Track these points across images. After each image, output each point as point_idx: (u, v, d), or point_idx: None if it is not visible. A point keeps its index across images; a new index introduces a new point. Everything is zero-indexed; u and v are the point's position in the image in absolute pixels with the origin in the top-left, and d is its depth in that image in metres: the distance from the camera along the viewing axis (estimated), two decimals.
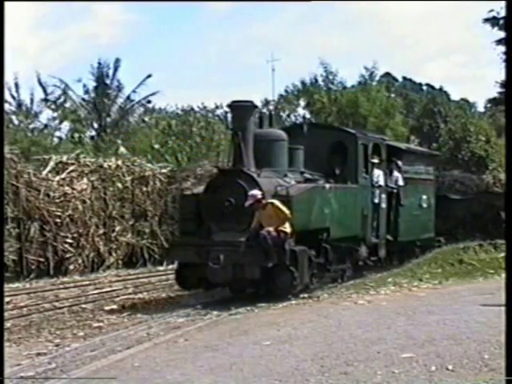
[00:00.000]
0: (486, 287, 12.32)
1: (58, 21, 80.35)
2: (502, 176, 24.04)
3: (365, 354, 7.17)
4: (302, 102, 41.94)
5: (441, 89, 55.94)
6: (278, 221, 11.81)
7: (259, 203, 11.91)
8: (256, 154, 12.79)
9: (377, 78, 43.03)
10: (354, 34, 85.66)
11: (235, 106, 12.87)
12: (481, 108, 52.71)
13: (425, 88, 58.95)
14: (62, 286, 15.79)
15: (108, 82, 39.37)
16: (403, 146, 18.70)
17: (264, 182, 12.38)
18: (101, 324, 10.87)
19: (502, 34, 24.17)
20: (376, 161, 15.75)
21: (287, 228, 11.83)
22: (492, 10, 25.14)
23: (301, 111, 43.69)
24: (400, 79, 59.22)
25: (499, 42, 24.39)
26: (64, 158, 20.04)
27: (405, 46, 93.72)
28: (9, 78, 36.60)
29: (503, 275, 10.35)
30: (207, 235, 12.47)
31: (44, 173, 18.97)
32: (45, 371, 7.47)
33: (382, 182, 15.98)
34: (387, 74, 54.27)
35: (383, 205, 16.22)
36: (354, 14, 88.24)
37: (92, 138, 38.19)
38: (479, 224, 23.84)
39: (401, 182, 16.83)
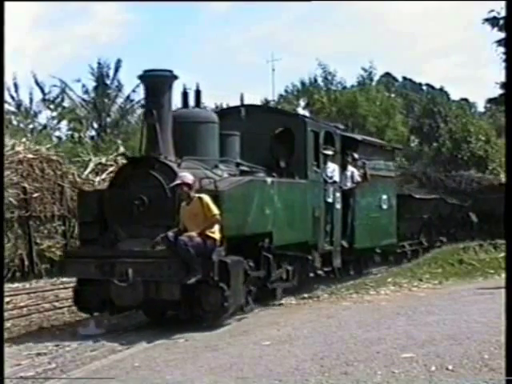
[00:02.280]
0: (486, 287, 12.31)
1: (56, 21, 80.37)
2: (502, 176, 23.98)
3: (365, 354, 7.17)
4: (302, 102, 41.97)
5: (441, 89, 55.92)
6: (204, 223, 9.19)
7: (188, 189, 9.33)
8: (177, 140, 10.19)
9: (376, 77, 43.13)
10: (354, 33, 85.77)
11: (148, 76, 10.23)
12: (481, 108, 52.77)
13: (425, 88, 58.91)
14: (61, 286, 15.79)
15: (108, 82, 39.40)
16: (359, 136, 16.44)
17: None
18: None
19: (501, 35, 24.20)
20: (330, 152, 13.43)
21: (216, 233, 9.25)
22: (492, 10, 25.19)
23: (301, 111, 43.69)
24: (400, 79, 59.22)
25: (499, 42, 24.41)
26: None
27: (405, 46, 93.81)
28: (8, 79, 36.63)
29: (503, 275, 10.35)
30: (112, 244, 9.74)
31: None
32: (45, 371, 7.47)
33: (337, 178, 13.63)
34: (387, 74, 54.30)
35: (338, 205, 13.81)
36: (354, 14, 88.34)
37: (92, 137, 38.22)
38: (446, 227, 22.33)
39: (357, 178, 14.45)
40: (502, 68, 23.12)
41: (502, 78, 22.96)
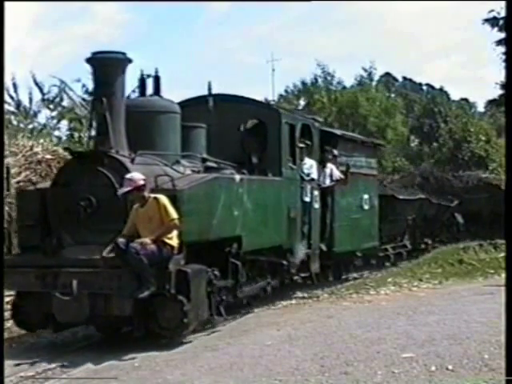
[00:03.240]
0: (485, 287, 12.32)
1: (56, 21, 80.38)
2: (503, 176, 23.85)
3: (365, 354, 7.17)
4: (302, 102, 41.99)
5: (441, 89, 55.92)
6: (160, 227, 8.12)
7: (139, 193, 8.20)
8: (132, 132, 9.02)
9: (376, 78, 43.16)
10: (354, 34, 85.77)
11: (97, 58, 8.91)
12: (481, 108, 52.77)
13: (425, 88, 58.92)
14: None
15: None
16: (338, 131, 15.44)
17: (139, 170, 8.52)
18: None
19: (501, 35, 24.20)
20: (302, 145, 12.28)
21: (174, 239, 8.20)
22: (492, 10, 25.17)
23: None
24: (400, 79, 59.23)
25: (499, 42, 24.41)
26: None
27: (405, 46, 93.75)
28: (7, 79, 36.63)
29: (503, 275, 10.36)
30: (56, 251, 8.56)
31: None
32: (45, 371, 7.47)
33: (314, 175, 12.57)
34: (387, 74, 54.30)
35: (316, 205, 12.65)
36: (354, 14, 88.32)
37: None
38: (432, 228, 21.38)
39: (337, 176, 13.46)
40: (502, 68, 23.13)
41: (502, 78, 23.01)
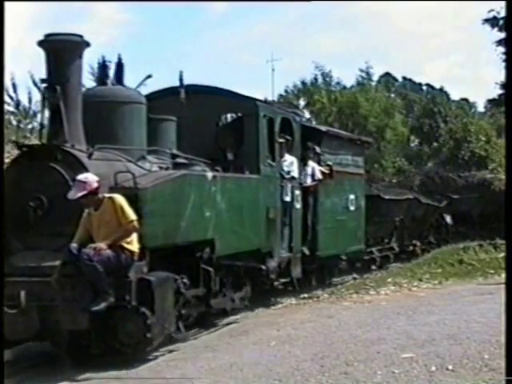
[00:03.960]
0: (485, 287, 12.31)
1: (56, 21, 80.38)
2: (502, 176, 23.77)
3: (365, 354, 7.17)
4: (302, 102, 41.99)
5: (441, 89, 55.94)
6: (118, 231, 7.27)
7: (94, 196, 7.32)
8: (91, 124, 8.11)
9: (375, 77, 43.16)
10: (354, 33, 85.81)
11: (50, 41, 7.95)
12: (481, 108, 52.76)
13: (425, 88, 58.92)
14: None
15: (108, 82, 39.39)
16: (323, 127, 14.61)
17: (98, 167, 7.69)
18: None
19: (501, 35, 24.20)
20: (282, 140, 11.43)
21: (134, 243, 7.35)
22: (492, 10, 25.17)
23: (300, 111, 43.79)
24: (400, 79, 59.25)
25: (499, 42, 24.41)
26: None
27: (405, 46, 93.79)
28: (6, 79, 36.61)
29: (503, 275, 10.36)
30: (3, 257, 7.38)
31: None
32: (45, 371, 7.45)
33: (295, 173, 11.80)
34: (387, 74, 54.32)
35: (297, 205, 11.92)
36: (354, 14, 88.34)
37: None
38: (420, 230, 20.60)
39: (319, 175, 12.71)
40: (502, 68, 23.14)
41: (502, 78, 23.00)
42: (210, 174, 9.12)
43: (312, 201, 12.57)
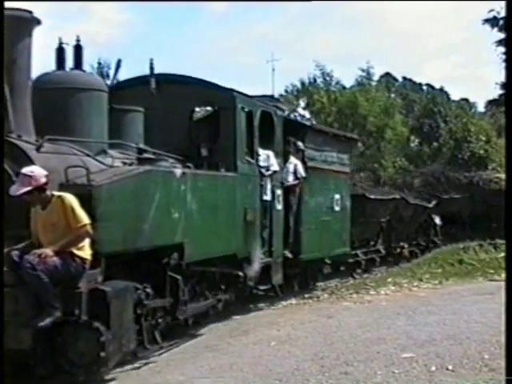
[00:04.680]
0: (485, 287, 12.32)
1: (55, 21, 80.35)
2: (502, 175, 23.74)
3: (365, 354, 7.17)
4: (302, 102, 41.99)
5: (441, 89, 55.94)
6: (67, 235, 6.34)
7: (41, 193, 6.36)
8: (43, 112, 7.20)
9: (375, 77, 43.13)
10: (354, 33, 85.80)
11: None
12: (481, 108, 52.78)
13: (425, 88, 58.92)
14: None
15: (108, 82, 39.38)
16: (307, 122, 13.84)
17: (47, 160, 6.77)
18: None
19: (501, 35, 24.21)
20: (256, 133, 10.42)
21: (86, 249, 6.41)
22: (492, 10, 25.18)
23: (301, 111, 43.79)
24: (400, 79, 59.26)
25: (499, 42, 24.43)
26: None
27: (405, 46, 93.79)
28: None
29: (503, 275, 10.36)
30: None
31: None
32: None
33: (275, 166, 10.88)
34: (387, 74, 54.31)
35: (279, 205, 11.09)
36: (354, 14, 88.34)
37: None
38: (408, 231, 19.66)
39: (302, 173, 11.85)
40: (502, 68, 23.13)
41: (502, 78, 23.02)
42: (178, 171, 8.13)
43: (294, 200, 11.73)
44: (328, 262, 13.60)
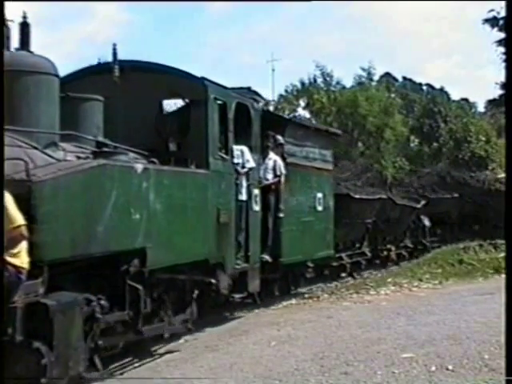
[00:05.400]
0: (485, 287, 12.31)
1: (56, 21, 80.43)
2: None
3: (365, 354, 7.17)
4: (302, 102, 41.99)
5: (441, 89, 55.94)
6: None
7: None
8: None
9: (375, 77, 43.12)
10: (354, 33, 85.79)
11: None
12: (481, 108, 52.77)
13: (425, 88, 58.92)
14: None
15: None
16: (286, 116, 12.87)
17: None
18: None
19: (501, 35, 24.21)
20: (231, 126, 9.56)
21: (22, 256, 5.55)
22: (492, 10, 25.18)
23: (301, 111, 43.82)
24: (400, 79, 59.25)
25: (499, 42, 24.42)
26: None
27: (405, 46, 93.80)
28: None
29: (503, 275, 10.36)
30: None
31: None
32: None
33: (252, 163, 9.97)
34: (387, 74, 54.29)
35: (256, 206, 10.20)
36: (354, 14, 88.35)
37: None
38: (395, 233, 18.80)
39: (282, 170, 11.07)
40: (502, 68, 23.12)
41: (502, 78, 22.99)
42: (139, 166, 7.25)
43: (273, 200, 10.91)
44: (311, 265, 12.72)
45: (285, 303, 11.55)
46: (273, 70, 38.12)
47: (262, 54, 66.60)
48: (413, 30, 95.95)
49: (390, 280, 13.95)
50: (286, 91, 47.20)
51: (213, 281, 8.81)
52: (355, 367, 6.65)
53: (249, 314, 10.59)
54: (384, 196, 18.09)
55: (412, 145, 43.06)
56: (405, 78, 60.00)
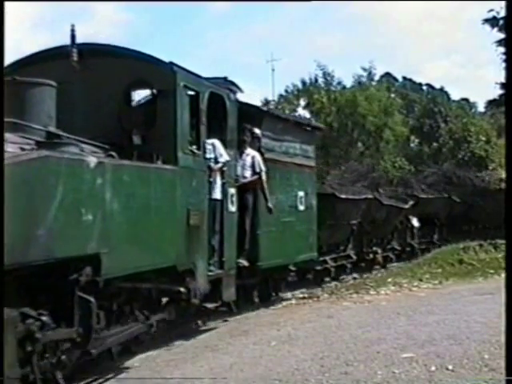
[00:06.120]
0: (485, 287, 12.31)
1: (56, 21, 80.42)
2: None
3: (365, 354, 7.17)
4: (303, 102, 41.99)
5: (441, 89, 55.96)
6: None
7: None
8: None
9: (376, 77, 43.14)
10: (354, 33, 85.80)
11: None
12: (481, 108, 52.78)
13: (425, 88, 58.92)
14: None
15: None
16: (264, 108, 11.53)
17: None
18: None
19: (501, 35, 24.20)
20: (203, 118, 8.67)
21: None
22: (492, 10, 25.17)
23: (301, 111, 43.85)
24: (400, 79, 59.27)
25: (499, 42, 24.41)
26: None
27: (405, 46, 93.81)
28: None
29: (503, 275, 10.36)
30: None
31: None
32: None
33: (225, 156, 9.17)
34: (387, 74, 54.30)
35: (232, 207, 9.44)
36: (354, 14, 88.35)
37: None
38: (381, 234, 18.16)
39: (262, 167, 10.30)
40: (502, 68, 23.11)
41: (502, 78, 22.98)
42: (92, 159, 6.31)
43: (251, 199, 10.15)
44: (293, 269, 12.10)
45: (285, 303, 11.55)
46: (273, 70, 38.15)
47: (262, 54, 66.59)
48: (413, 30, 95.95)
49: (389, 280, 13.96)
50: (286, 91, 47.20)
51: (182, 289, 7.97)
52: (355, 367, 6.65)
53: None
54: (370, 196, 17.35)
55: (412, 145, 43.09)
56: (405, 78, 60.01)
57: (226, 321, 9.89)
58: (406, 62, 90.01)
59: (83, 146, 6.73)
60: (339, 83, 40.04)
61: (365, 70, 41.01)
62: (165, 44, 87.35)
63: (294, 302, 11.75)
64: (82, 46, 7.81)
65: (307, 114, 38.89)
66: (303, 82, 43.35)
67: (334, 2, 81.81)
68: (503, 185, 24.63)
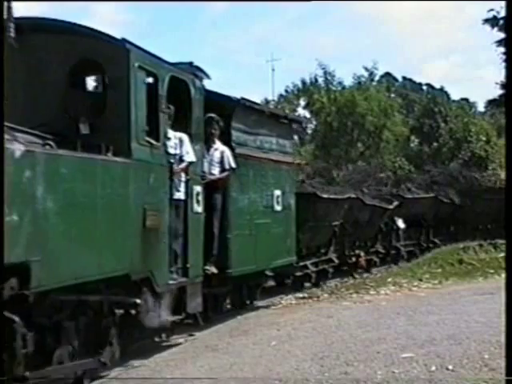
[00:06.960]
0: (485, 287, 12.31)
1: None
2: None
3: (365, 354, 7.16)
4: (302, 102, 42.01)
5: (441, 89, 55.98)
6: None
7: None
8: None
9: (376, 77, 43.14)
10: (354, 33, 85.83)
11: None
12: (481, 108, 52.80)
13: (425, 88, 58.95)
14: None
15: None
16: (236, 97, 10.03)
17: None
18: None
19: (501, 35, 24.22)
20: (168, 110, 7.85)
21: None
22: (492, 10, 25.18)
23: (301, 111, 43.82)
24: (400, 79, 59.30)
25: (499, 42, 24.43)
26: None
27: (405, 46, 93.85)
28: None
29: (503, 275, 10.36)
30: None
31: None
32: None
33: (192, 155, 8.31)
34: (387, 74, 54.32)
35: (198, 207, 8.49)
36: (354, 14, 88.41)
37: None
38: (364, 237, 17.13)
39: (232, 163, 9.44)
40: (502, 68, 23.13)
41: (502, 78, 23.02)
42: (18, 148, 5.35)
43: (220, 199, 9.32)
44: (270, 274, 11.23)
45: (285, 303, 11.55)
46: (273, 70, 38.17)
47: (262, 54, 66.65)
48: (413, 30, 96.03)
49: (389, 280, 13.97)
50: (286, 91, 47.21)
51: (138, 301, 7.02)
52: (355, 367, 6.65)
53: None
54: (353, 195, 16.36)
55: (412, 145, 43.09)
56: (405, 78, 60.08)
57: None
58: (406, 62, 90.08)
59: (16, 134, 5.70)
60: (340, 83, 40.07)
61: (367, 69, 41.01)
62: (164, 44, 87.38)
63: (294, 301, 11.74)
64: (20, 21, 6.45)
65: (307, 114, 38.93)
66: (303, 82, 43.40)
67: (334, 2, 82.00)
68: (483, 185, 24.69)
